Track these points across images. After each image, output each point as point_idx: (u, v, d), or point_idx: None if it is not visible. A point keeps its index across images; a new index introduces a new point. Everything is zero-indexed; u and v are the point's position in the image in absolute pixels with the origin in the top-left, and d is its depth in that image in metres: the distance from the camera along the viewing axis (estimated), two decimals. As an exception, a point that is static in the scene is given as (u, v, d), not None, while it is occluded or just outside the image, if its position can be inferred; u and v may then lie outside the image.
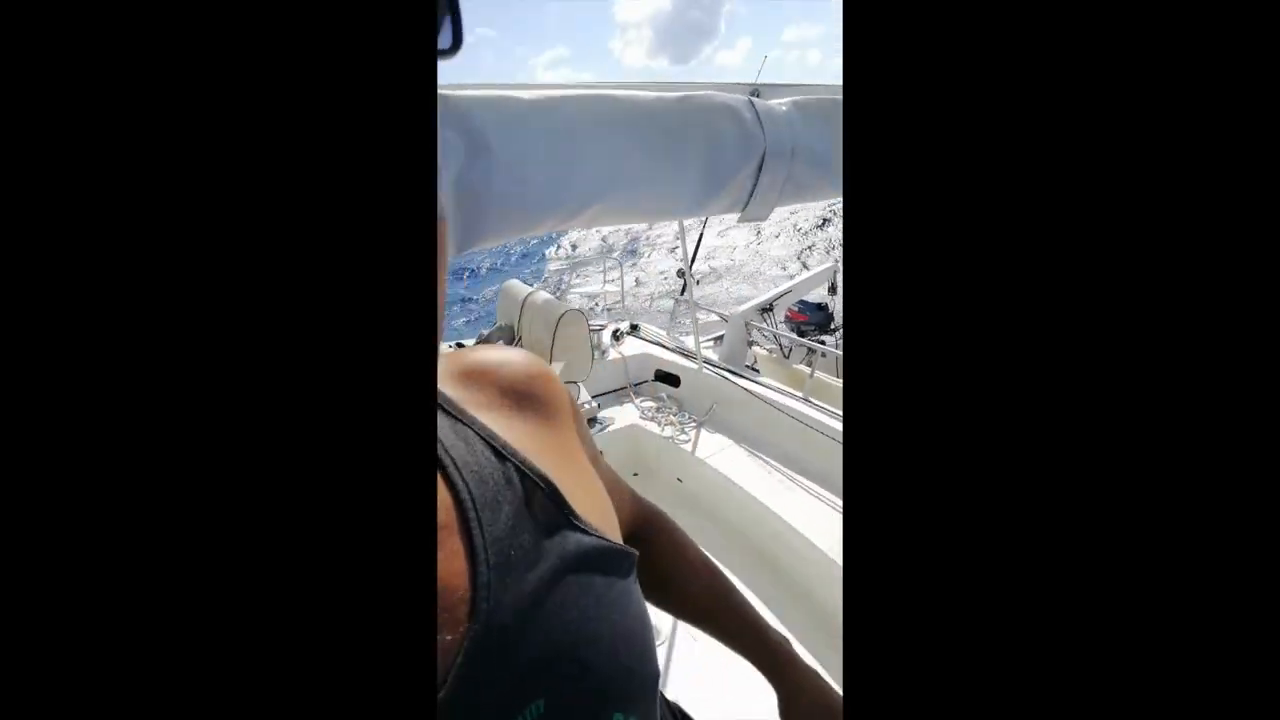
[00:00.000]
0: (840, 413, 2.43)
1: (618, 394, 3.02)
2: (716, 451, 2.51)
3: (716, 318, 4.07)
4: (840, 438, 2.26)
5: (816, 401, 2.53)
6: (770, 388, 2.70)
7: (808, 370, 3.13)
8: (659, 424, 2.72)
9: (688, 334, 3.05)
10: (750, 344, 3.43)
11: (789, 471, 2.34)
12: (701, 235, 3.90)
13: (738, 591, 0.66)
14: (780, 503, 2.14)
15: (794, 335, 4.05)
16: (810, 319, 4.64)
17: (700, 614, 0.65)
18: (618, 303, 3.78)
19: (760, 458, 2.45)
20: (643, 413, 2.81)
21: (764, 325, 3.50)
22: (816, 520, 2.04)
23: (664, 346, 3.27)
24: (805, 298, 4.34)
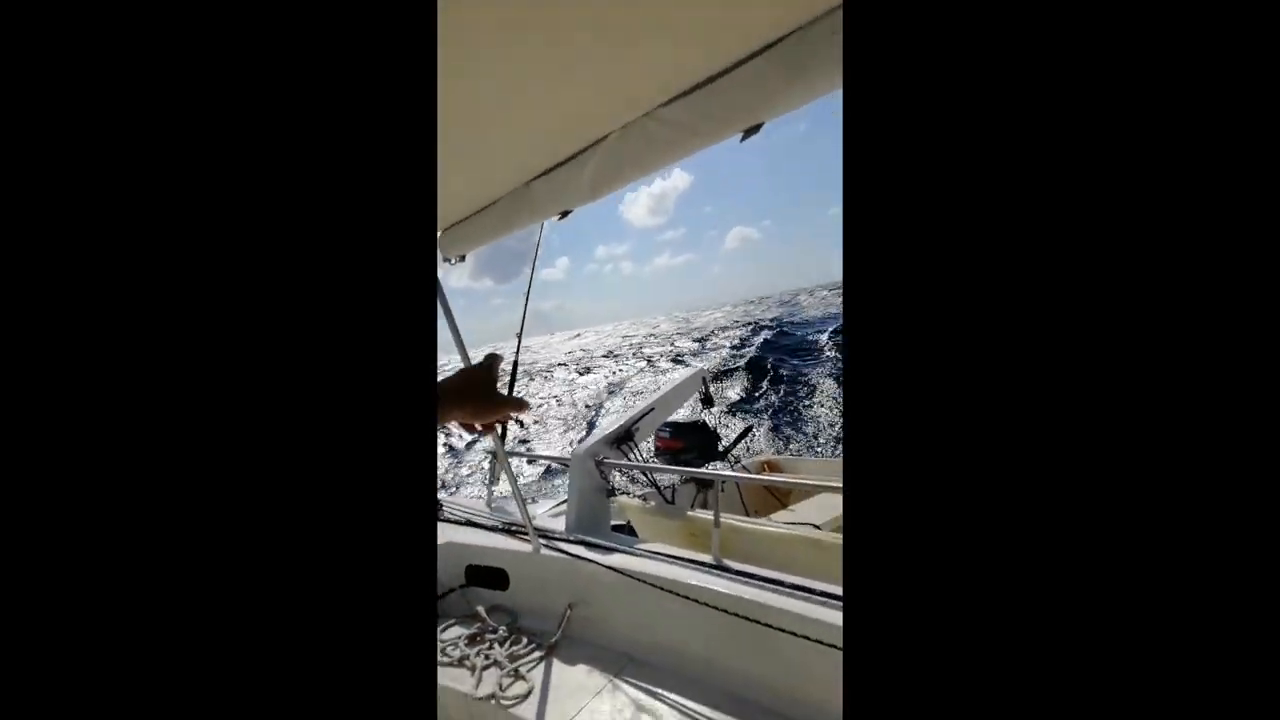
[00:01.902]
0: (764, 577, 1.43)
1: None
2: (584, 704, 1.37)
3: (556, 466, 2.90)
4: (772, 620, 1.24)
5: (734, 565, 1.52)
6: (660, 558, 1.65)
7: (707, 515, 2.11)
8: (472, 670, 1.53)
9: (529, 502, 1.96)
10: (611, 492, 2.35)
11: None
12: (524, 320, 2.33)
13: None
14: None
15: (680, 468, 3.00)
16: (687, 444, 3.70)
17: None
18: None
19: (666, 701, 1.35)
20: (443, 652, 1.61)
21: (625, 463, 2.42)
22: None
23: (479, 526, 2.13)
24: (673, 418, 3.42)
